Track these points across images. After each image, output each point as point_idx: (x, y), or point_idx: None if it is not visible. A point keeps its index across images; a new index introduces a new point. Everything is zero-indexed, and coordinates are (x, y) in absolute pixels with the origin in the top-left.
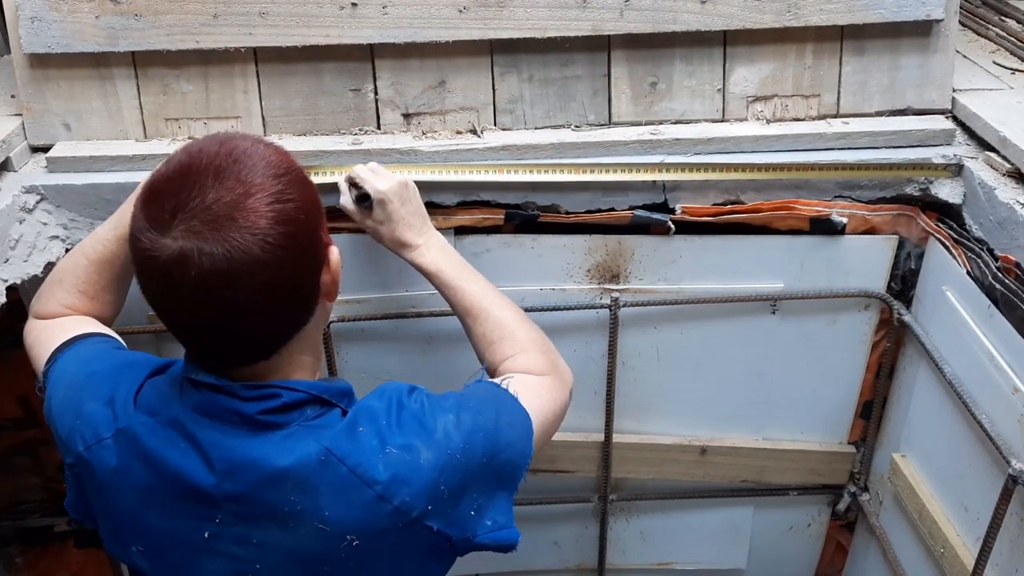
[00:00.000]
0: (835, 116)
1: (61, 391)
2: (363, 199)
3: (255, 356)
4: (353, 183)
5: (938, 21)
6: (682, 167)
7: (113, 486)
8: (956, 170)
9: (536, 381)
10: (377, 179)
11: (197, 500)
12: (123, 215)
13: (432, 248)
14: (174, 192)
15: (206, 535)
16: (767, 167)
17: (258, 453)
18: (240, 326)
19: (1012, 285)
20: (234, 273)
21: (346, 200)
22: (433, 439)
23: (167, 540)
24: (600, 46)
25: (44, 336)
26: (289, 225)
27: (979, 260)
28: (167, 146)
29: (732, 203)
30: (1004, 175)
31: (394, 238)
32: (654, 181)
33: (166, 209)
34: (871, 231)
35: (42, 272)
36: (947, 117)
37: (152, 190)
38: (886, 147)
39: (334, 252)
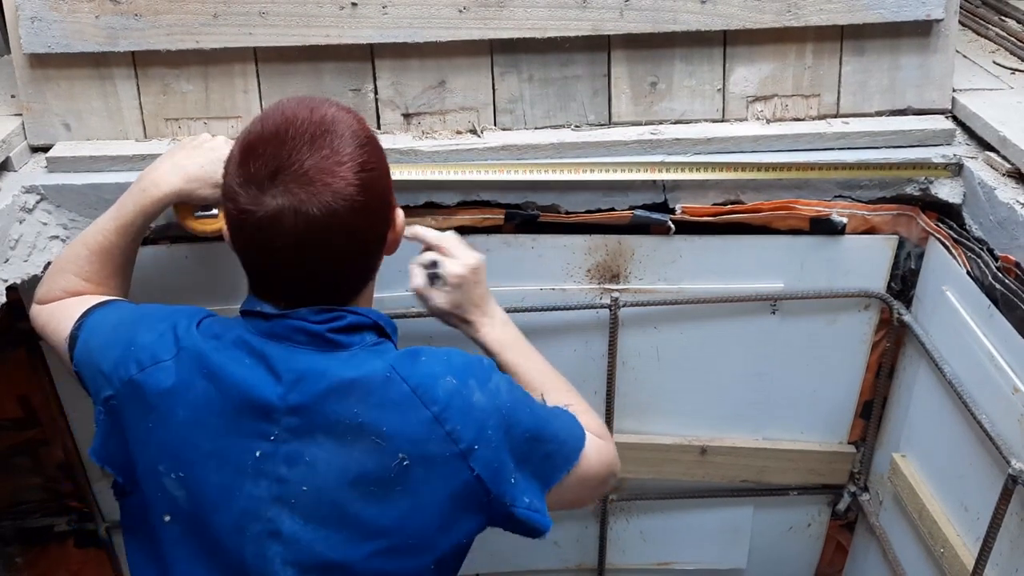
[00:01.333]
0: (835, 116)
1: (105, 331)
2: (435, 278)
3: (334, 299)
4: (427, 264)
5: (938, 21)
6: (682, 167)
7: (163, 407)
8: (956, 170)
9: (594, 440)
10: (456, 264)
11: (256, 414)
12: (123, 206)
13: (496, 325)
14: (274, 153)
15: (257, 454)
16: (767, 167)
17: (325, 365)
18: (326, 275)
19: (1012, 285)
20: (324, 231)
21: (420, 282)
22: (486, 387)
23: (212, 463)
24: (600, 46)
25: (60, 311)
26: (371, 192)
27: (979, 260)
28: (167, 146)
29: (732, 203)
30: (1004, 175)
31: (462, 317)
32: (654, 181)
33: (266, 169)
34: (871, 231)
35: (42, 272)
36: (947, 117)
37: (250, 147)
38: (886, 147)
39: (399, 214)
